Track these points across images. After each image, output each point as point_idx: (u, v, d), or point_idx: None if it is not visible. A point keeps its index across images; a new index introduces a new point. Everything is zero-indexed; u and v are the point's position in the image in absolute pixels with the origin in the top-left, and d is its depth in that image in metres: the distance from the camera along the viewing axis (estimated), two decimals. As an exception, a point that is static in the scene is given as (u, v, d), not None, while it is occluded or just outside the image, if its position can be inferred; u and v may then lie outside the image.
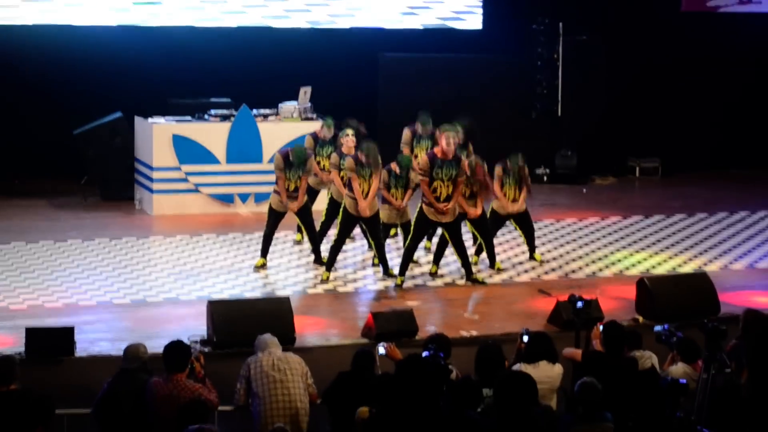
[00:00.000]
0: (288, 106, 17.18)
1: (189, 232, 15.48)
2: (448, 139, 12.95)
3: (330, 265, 13.38)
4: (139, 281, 13.20)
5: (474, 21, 20.46)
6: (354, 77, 19.45)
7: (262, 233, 13.92)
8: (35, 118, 18.25)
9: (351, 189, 13.23)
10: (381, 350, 9.17)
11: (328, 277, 13.28)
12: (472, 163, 13.30)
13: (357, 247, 14.77)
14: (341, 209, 13.37)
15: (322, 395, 9.18)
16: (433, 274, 13.60)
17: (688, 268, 14.20)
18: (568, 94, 20.20)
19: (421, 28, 20.22)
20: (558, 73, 20.19)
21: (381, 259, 13.48)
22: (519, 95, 20.14)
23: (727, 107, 21.07)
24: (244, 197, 16.89)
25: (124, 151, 17.46)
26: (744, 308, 10.23)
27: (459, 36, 20.35)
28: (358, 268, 13.95)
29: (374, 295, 13.04)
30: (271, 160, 16.56)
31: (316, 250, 13.95)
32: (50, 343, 10.45)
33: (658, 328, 9.70)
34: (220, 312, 10.98)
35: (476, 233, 13.78)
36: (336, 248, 13.38)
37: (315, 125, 16.95)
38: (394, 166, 13.36)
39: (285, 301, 11.31)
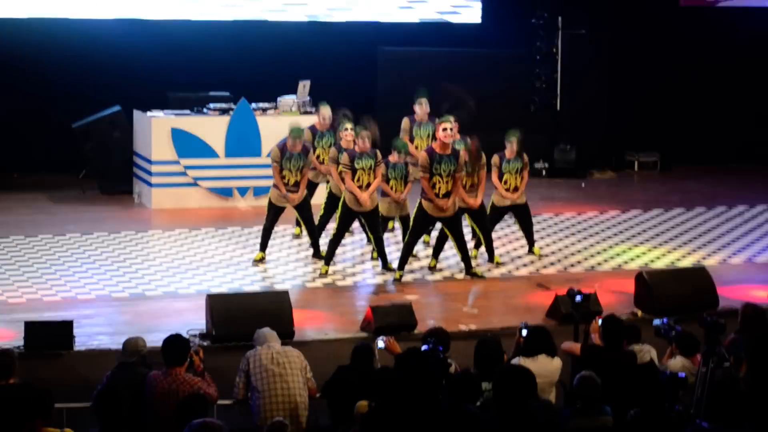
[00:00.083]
0: (287, 100, 17.17)
1: (188, 226, 15.48)
2: (446, 129, 12.91)
3: (329, 259, 13.38)
4: (138, 275, 13.20)
5: (472, 15, 20.45)
6: (352, 71, 19.45)
7: (260, 227, 13.92)
8: (34, 112, 18.25)
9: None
10: (380, 344, 9.17)
11: (326, 271, 13.28)
12: (467, 143, 13.26)
13: (356, 241, 14.77)
14: (340, 203, 13.36)
15: (321, 389, 9.18)
16: (432, 268, 13.60)
17: (686, 262, 14.21)
18: (567, 88, 20.20)
19: (419, 21, 20.22)
20: (557, 67, 20.19)
21: (380, 253, 13.48)
22: (518, 89, 20.13)
23: (726, 102, 21.08)
24: (243, 191, 16.89)
25: (123, 145, 17.45)
26: (742, 302, 10.26)
27: (457, 30, 20.34)
28: (356, 262, 13.96)
29: (373, 289, 13.04)
30: (269, 154, 16.59)
31: (314, 244, 13.95)
32: (49, 337, 10.45)
33: (656, 321, 9.69)
34: (219, 306, 10.98)
35: (475, 227, 13.77)
36: (335, 242, 13.37)
37: (314, 119, 16.95)
38: (392, 157, 13.35)
39: (284, 295, 11.31)
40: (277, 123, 16.93)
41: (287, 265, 13.78)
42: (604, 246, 15.01)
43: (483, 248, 13.98)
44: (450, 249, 13.91)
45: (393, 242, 14.43)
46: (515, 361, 8.98)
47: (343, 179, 13.32)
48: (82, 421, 8.46)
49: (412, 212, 13.36)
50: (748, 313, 9.65)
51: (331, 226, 13.69)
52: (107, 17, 18.45)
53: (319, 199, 14.53)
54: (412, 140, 14.50)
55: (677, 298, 11.82)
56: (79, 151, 17.48)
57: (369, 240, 14.02)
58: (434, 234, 14.03)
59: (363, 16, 19.89)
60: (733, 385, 8.74)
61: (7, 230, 14.96)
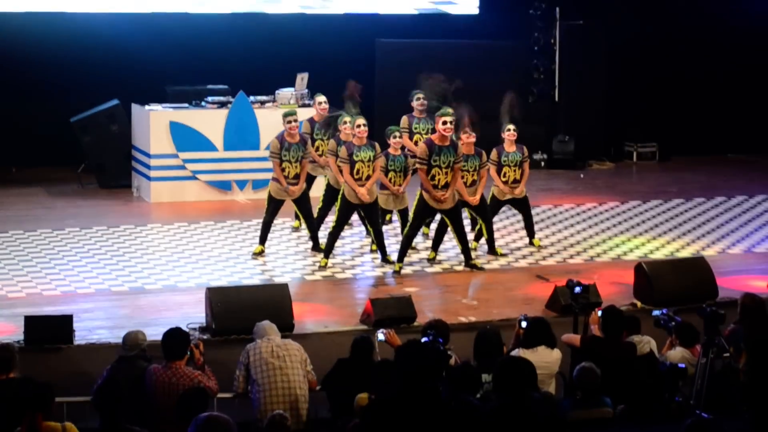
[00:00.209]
0: (285, 93, 17.16)
1: (187, 220, 15.47)
2: (446, 123, 12.92)
3: (328, 251, 13.38)
4: (137, 269, 13.20)
5: (470, 6, 20.44)
6: (350, 63, 19.39)
7: (259, 220, 13.92)
8: (32, 106, 18.23)
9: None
10: (380, 336, 9.18)
11: (326, 264, 13.28)
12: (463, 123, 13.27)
13: (355, 234, 14.77)
14: (339, 196, 13.35)
15: (321, 382, 9.19)
16: (432, 260, 13.60)
17: (686, 253, 14.21)
18: (565, 79, 20.20)
19: (416, 13, 20.20)
20: (555, 58, 20.19)
21: (379, 245, 13.47)
22: (516, 80, 20.08)
23: (724, 92, 21.07)
24: (241, 184, 16.89)
25: (122, 139, 17.44)
26: (742, 292, 10.26)
27: (455, 21, 20.33)
28: (356, 255, 13.96)
29: (372, 282, 13.04)
30: (267, 147, 16.58)
31: (314, 237, 13.95)
32: (49, 331, 10.45)
33: (656, 312, 9.71)
34: (219, 299, 10.98)
35: (477, 218, 13.76)
36: (334, 235, 13.37)
37: (312, 112, 16.94)
38: (391, 149, 13.35)
39: (283, 288, 11.30)
40: (276, 116, 16.86)
41: (286, 258, 13.78)
42: (604, 237, 15.01)
43: (483, 240, 13.98)
44: (449, 241, 13.92)
45: (391, 234, 14.43)
46: (515, 352, 8.99)
47: (341, 172, 13.30)
48: (82, 415, 8.47)
49: (411, 205, 13.36)
50: (747, 304, 9.66)
51: (330, 219, 13.69)
52: (105, 11, 18.43)
53: (317, 191, 14.53)
54: (411, 137, 14.47)
55: (677, 288, 11.81)
56: (77, 145, 17.46)
57: (368, 232, 14.01)
58: (433, 226, 14.03)
59: (360, 7, 19.88)
60: (732, 376, 8.77)
61: (5, 225, 14.96)
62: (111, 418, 7.23)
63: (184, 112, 16.88)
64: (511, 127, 13.97)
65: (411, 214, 13.37)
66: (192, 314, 11.31)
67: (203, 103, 17.04)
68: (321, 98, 14.83)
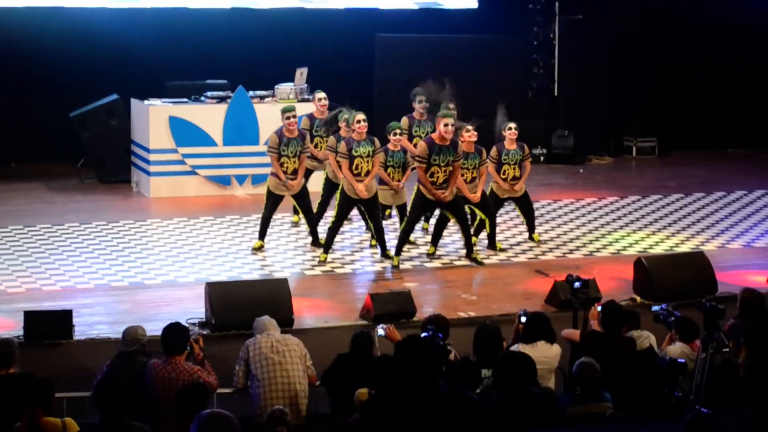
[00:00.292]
0: (284, 88, 17.15)
1: (186, 215, 15.48)
2: (447, 125, 12.90)
3: (327, 246, 13.38)
4: (137, 264, 13.19)
5: (469, 0, 20.43)
6: (350, 58, 19.45)
7: (259, 215, 13.91)
8: (31, 101, 18.25)
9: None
10: (380, 331, 9.19)
11: (325, 259, 13.28)
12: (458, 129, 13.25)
13: (354, 229, 14.77)
14: (339, 191, 13.35)
15: (321, 377, 9.19)
16: (431, 255, 13.60)
17: (685, 248, 14.21)
18: (565, 74, 20.21)
19: (416, 8, 20.20)
20: (554, 53, 20.20)
21: (379, 240, 13.46)
22: (515, 75, 20.15)
23: (724, 86, 21.07)
24: (241, 179, 16.89)
25: (121, 134, 17.44)
26: (741, 287, 10.25)
27: (454, 15, 20.33)
28: (355, 250, 13.96)
29: (372, 277, 13.04)
30: (267, 142, 16.57)
31: (313, 232, 13.94)
32: (48, 326, 10.44)
33: (656, 307, 9.71)
34: (218, 294, 10.97)
35: (480, 213, 13.77)
36: (333, 230, 13.37)
37: (311, 107, 16.93)
38: (391, 145, 13.35)
39: (283, 283, 11.30)
40: (275, 111, 16.83)
41: (286, 253, 13.78)
42: (603, 232, 15.01)
43: (483, 234, 13.98)
44: (449, 236, 13.93)
45: (391, 230, 14.41)
46: (514, 347, 8.99)
47: (340, 167, 13.30)
48: (82, 410, 8.47)
49: (410, 200, 13.37)
50: (747, 299, 9.65)
51: (330, 214, 13.68)
52: (104, 6, 18.42)
53: (315, 186, 14.52)
54: (411, 139, 14.44)
55: (676, 283, 11.81)
56: (76, 140, 17.46)
57: (368, 227, 14.02)
58: (432, 221, 14.03)
59: (360, 2, 19.87)
60: (732, 371, 8.77)
61: (5, 220, 14.96)
62: (111, 413, 7.23)
63: (184, 107, 16.88)
64: (512, 125, 13.96)
65: (408, 209, 13.37)
66: (191, 309, 11.30)
67: (202, 98, 17.04)
68: (321, 94, 14.81)
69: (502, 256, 13.75)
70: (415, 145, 14.05)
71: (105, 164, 17.52)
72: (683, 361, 8.70)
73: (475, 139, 13.34)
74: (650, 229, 15.20)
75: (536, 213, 15.08)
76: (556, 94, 20.29)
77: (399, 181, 13.45)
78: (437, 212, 13.64)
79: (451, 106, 13.80)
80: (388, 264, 13.25)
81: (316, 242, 13.85)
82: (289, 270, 13.05)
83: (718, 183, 18.20)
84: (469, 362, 8.28)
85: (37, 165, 18.01)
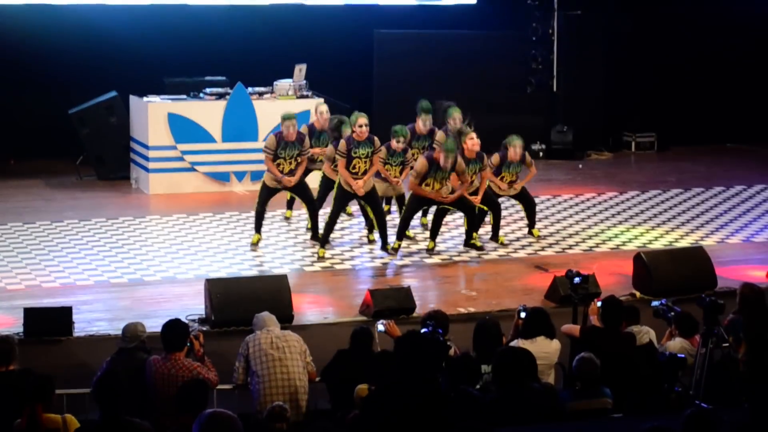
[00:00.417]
0: (283, 84, 17.14)
1: (185, 211, 15.47)
2: (447, 159, 12.88)
3: (324, 241, 13.38)
4: (136, 261, 13.19)
5: (468, -4, 20.43)
6: (349, 54, 19.43)
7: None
8: (30, 98, 18.23)
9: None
10: (380, 327, 9.19)
11: (323, 254, 13.28)
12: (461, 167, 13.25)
13: (354, 225, 14.77)
14: (336, 185, 13.36)
15: (320, 373, 9.19)
16: (430, 251, 13.60)
17: (684, 243, 14.21)
18: (564, 69, 20.20)
19: (415, 4, 20.18)
20: (553, 48, 20.18)
21: (381, 232, 13.43)
22: (514, 70, 20.13)
23: (723, 81, 21.06)
24: (240, 175, 16.88)
25: (120, 131, 17.43)
26: (741, 282, 10.26)
27: (453, 11, 20.31)
28: (355, 246, 13.95)
29: (371, 273, 13.05)
30: (266, 139, 16.56)
31: (314, 227, 13.91)
32: (48, 323, 10.46)
33: (655, 303, 9.72)
34: (218, 290, 10.98)
35: (485, 208, 13.79)
36: (330, 224, 13.37)
37: (310, 103, 16.95)
38: (393, 144, 13.38)
39: (283, 279, 11.31)
40: (274, 107, 16.91)
41: (285, 249, 13.78)
42: (602, 227, 15.01)
43: (481, 231, 13.98)
44: (448, 232, 13.94)
45: (390, 225, 14.37)
46: (514, 343, 8.99)
47: (335, 167, 13.31)
48: (82, 407, 8.47)
49: (407, 192, 13.42)
50: (746, 293, 9.66)
51: (327, 211, 13.67)
52: (103, 3, 18.40)
53: (312, 184, 14.47)
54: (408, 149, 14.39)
55: (676, 278, 11.82)
56: (76, 137, 17.45)
57: (367, 223, 14.02)
58: (430, 217, 14.03)
59: (359, -2, 19.88)
60: (732, 366, 8.77)
61: (4, 217, 14.95)
62: (111, 409, 7.22)
63: (183, 103, 16.87)
64: (518, 143, 13.88)
65: (407, 200, 13.39)
66: (191, 306, 11.31)
67: (201, 95, 17.03)
68: (323, 107, 14.60)
69: (502, 251, 13.75)
70: (413, 156, 14.02)
71: (104, 161, 17.51)
72: (683, 356, 8.70)
73: (478, 148, 13.31)
74: (649, 225, 15.20)
75: (536, 209, 15.09)
76: (555, 89, 20.29)
77: (397, 177, 13.49)
78: (433, 208, 13.68)
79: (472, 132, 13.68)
80: (388, 260, 13.25)
81: (316, 237, 13.84)
82: (289, 266, 13.05)
83: (718, 178, 18.20)
84: (469, 358, 8.29)
85: (37, 162, 17.99)
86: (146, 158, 16.72)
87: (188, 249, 13.69)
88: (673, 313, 9.53)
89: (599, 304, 9.51)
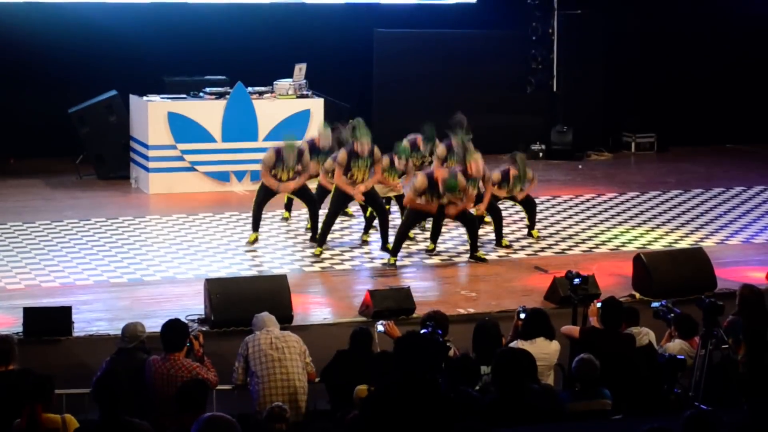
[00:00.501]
0: (283, 84, 17.14)
1: (185, 211, 15.47)
2: (444, 189, 12.89)
3: (322, 241, 13.38)
4: (136, 260, 13.19)
5: (468, -4, 20.44)
6: (349, 53, 19.43)
7: (258, 212, 13.92)
8: (30, 97, 18.23)
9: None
10: (380, 328, 9.19)
11: (320, 252, 13.27)
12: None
13: (353, 225, 14.77)
14: (333, 187, 13.38)
15: (320, 374, 9.18)
16: (430, 252, 13.60)
17: (684, 244, 14.21)
18: (564, 69, 20.20)
19: (415, 3, 20.18)
20: (553, 48, 20.18)
21: (383, 229, 13.42)
22: (514, 70, 20.13)
23: (723, 82, 21.06)
24: (239, 175, 16.88)
25: (120, 130, 17.43)
26: (740, 284, 10.26)
27: (453, 11, 20.32)
28: (354, 246, 13.96)
29: (371, 273, 13.04)
30: (266, 138, 16.58)
31: (314, 227, 13.89)
32: (48, 323, 10.46)
33: (655, 304, 9.72)
34: (218, 290, 10.98)
35: (484, 214, 13.84)
36: (328, 224, 13.38)
37: (310, 102, 16.96)
38: (395, 161, 13.55)
39: (282, 280, 11.31)
40: (274, 107, 16.94)
41: (285, 249, 13.78)
42: (602, 228, 15.01)
43: (480, 231, 13.99)
44: (447, 233, 13.94)
45: (390, 225, 14.39)
46: (513, 344, 8.99)
47: (332, 175, 13.39)
48: (81, 407, 8.46)
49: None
50: (746, 295, 9.66)
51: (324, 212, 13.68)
52: (103, 1, 18.41)
53: (310, 184, 14.46)
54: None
55: (675, 280, 11.82)
56: (75, 137, 17.45)
57: (366, 223, 14.03)
58: (430, 218, 14.04)
59: (359, -2, 19.89)
60: (731, 368, 8.77)
61: (4, 216, 14.95)
62: (110, 409, 7.21)
63: (183, 103, 16.87)
64: (531, 175, 14.01)
65: (404, 215, 13.41)
66: (191, 306, 11.32)
67: (201, 94, 17.03)
68: (327, 131, 14.38)
69: (501, 252, 13.75)
70: (413, 166, 14.06)
71: (104, 160, 17.51)
72: (682, 357, 8.70)
73: (480, 170, 13.21)
74: (649, 225, 15.20)
75: (536, 210, 15.09)
76: (554, 89, 20.29)
77: (396, 181, 13.63)
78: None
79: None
80: (386, 258, 13.24)
81: (315, 237, 13.83)
82: (288, 266, 13.05)
83: (717, 179, 18.20)
84: (469, 359, 8.29)
85: (36, 161, 17.99)
86: (146, 158, 16.72)
87: (188, 249, 13.69)
88: (672, 315, 9.53)
89: (599, 305, 9.50)
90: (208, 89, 17.07)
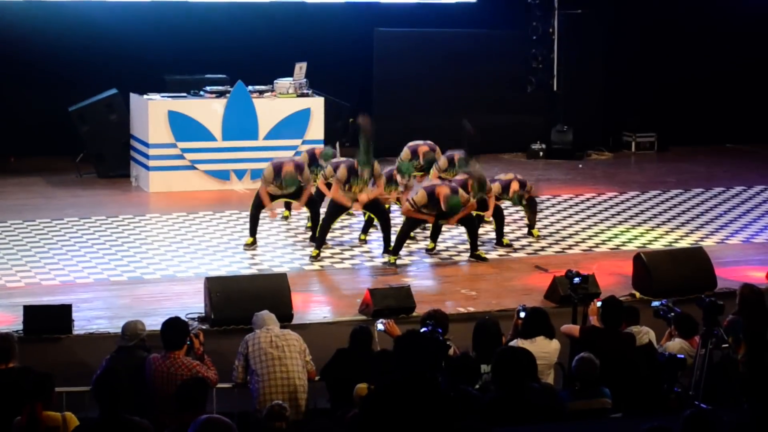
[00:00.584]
0: (283, 82, 17.14)
1: (185, 210, 15.47)
2: (445, 206, 12.90)
3: (320, 243, 13.33)
4: (136, 259, 13.20)
5: (469, -5, 20.43)
6: (349, 52, 19.42)
7: (258, 211, 13.92)
8: (30, 96, 18.23)
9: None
10: (380, 326, 9.19)
11: (317, 255, 13.25)
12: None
13: (354, 224, 14.77)
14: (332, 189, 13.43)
15: (320, 372, 9.19)
16: (430, 251, 13.60)
17: (684, 243, 14.21)
18: (564, 69, 20.19)
19: (415, 2, 20.18)
20: (553, 48, 20.17)
21: (385, 233, 13.41)
22: (514, 70, 20.12)
23: (723, 82, 21.05)
24: (240, 174, 16.88)
25: (120, 128, 17.42)
26: (741, 283, 10.26)
27: (454, 10, 20.32)
28: (354, 245, 13.96)
29: (371, 272, 13.05)
30: (266, 137, 16.59)
31: (315, 227, 13.87)
32: (48, 321, 10.46)
33: (655, 303, 9.72)
34: (218, 289, 10.98)
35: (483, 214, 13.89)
36: (325, 227, 13.36)
37: (310, 101, 16.96)
38: (397, 178, 13.63)
39: (282, 278, 11.31)
40: (274, 106, 16.94)
41: (285, 248, 13.79)
42: (602, 227, 15.01)
43: (480, 230, 14.00)
44: (447, 231, 13.94)
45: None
46: (513, 343, 8.99)
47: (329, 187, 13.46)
48: (81, 405, 8.46)
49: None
50: (746, 294, 9.66)
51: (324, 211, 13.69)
52: (104, 0, 18.41)
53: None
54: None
55: (675, 279, 11.83)
56: (75, 135, 17.44)
57: (365, 226, 14.03)
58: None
59: (359, -3, 19.88)
60: (731, 367, 8.77)
61: (4, 215, 14.95)
62: (110, 407, 7.21)
63: (183, 101, 16.86)
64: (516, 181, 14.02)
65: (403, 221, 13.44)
66: (191, 304, 11.32)
67: (202, 93, 17.02)
68: (329, 169, 14.29)
69: (502, 251, 13.76)
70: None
71: (104, 159, 17.50)
72: (682, 356, 8.70)
73: (493, 203, 13.44)
74: (649, 225, 15.20)
75: (537, 209, 15.09)
76: (555, 89, 20.28)
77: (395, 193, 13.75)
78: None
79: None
80: (387, 258, 13.24)
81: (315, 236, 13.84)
82: (288, 265, 13.05)
83: (718, 178, 18.20)
84: (469, 358, 8.29)
85: (37, 160, 17.99)
86: (146, 156, 16.72)
87: (188, 247, 13.69)
88: (672, 314, 9.53)
89: (599, 304, 9.51)
90: (208, 88, 17.07)
